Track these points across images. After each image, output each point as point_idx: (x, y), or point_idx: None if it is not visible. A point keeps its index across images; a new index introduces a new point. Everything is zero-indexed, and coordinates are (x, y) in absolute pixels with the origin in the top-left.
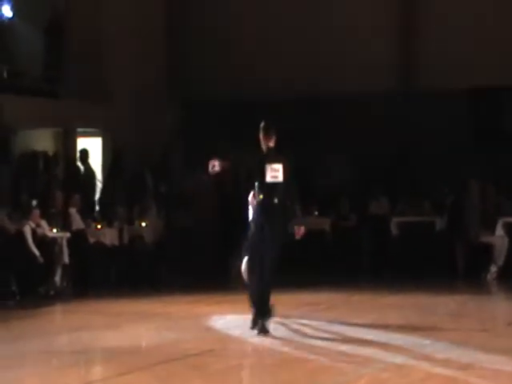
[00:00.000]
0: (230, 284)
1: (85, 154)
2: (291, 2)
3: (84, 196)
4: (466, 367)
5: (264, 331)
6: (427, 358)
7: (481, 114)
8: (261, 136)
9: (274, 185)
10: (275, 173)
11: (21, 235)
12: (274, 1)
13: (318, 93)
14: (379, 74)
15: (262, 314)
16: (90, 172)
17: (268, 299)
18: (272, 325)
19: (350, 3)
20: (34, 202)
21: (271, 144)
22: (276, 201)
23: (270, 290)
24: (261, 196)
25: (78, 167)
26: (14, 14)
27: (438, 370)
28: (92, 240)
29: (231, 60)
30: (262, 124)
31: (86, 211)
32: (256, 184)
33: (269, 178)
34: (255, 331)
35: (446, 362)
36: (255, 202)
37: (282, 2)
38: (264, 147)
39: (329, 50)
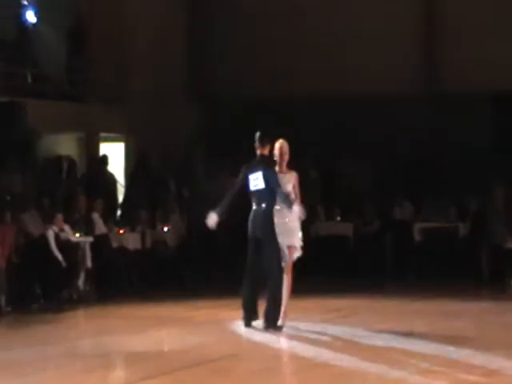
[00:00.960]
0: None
1: (104, 159)
2: (316, 2)
3: (107, 200)
4: (490, 374)
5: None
6: (451, 365)
7: (504, 118)
8: (256, 145)
9: (258, 192)
10: (255, 181)
11: (44, 239)
12: (299, 2)
13: (342, 96)
14: (404, 78)
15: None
16: (109, 177)
17: (274, 303)
18: (294, 330)
19: (373, 7)
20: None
21: (265, 152)
22: (264, 206)
23: (275, 293)
24: (252, 203)
25: (100, 172)
26: (37, 19)
27: (463, 376)
28: (115, 244)
29: (254, 60)
30: (258, 134)
31: (109, 216)
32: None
33: (252, 187)
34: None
35: (470, 369)
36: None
37: (307, 3)
38: (258, 154)
39: (353, 54)
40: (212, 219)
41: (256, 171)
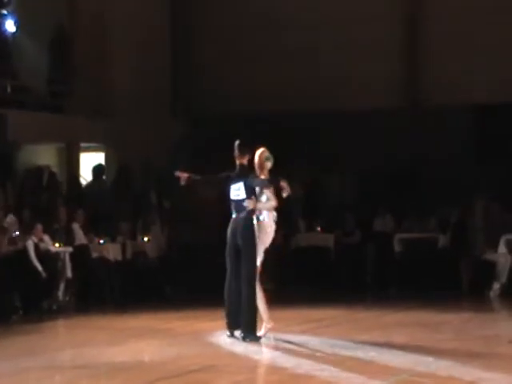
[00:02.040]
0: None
1: (99, 169)
2: (302, 16)
3: (87, 211)
4: None
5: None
6: (430, 376)
7: (486, 130)
8: (235, 154)
9: (238, 201)
10: (237, 191)
11: (24, 250)
12: (284, 15)
13: (321, 109)
14: (383, 91)
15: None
16: (103, 187)
17: (251, 312)
18: (275, 341)
19: (357, 20)
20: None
21: (244, 162)
22: (242, 215)
23: (250, 301)
24: (232, 212)
25: (80, 182)
26: (17, 29)
27: None
28: (95, 255)
29: (236, 73)
30: (237, 142)
31: (89, 226)
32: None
33: (232, 196)
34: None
35: (449, 380)
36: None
37: (292, 17)
38: (237, 164)
39: (336, 67)
40: (184, 175)
41: (237, 182)
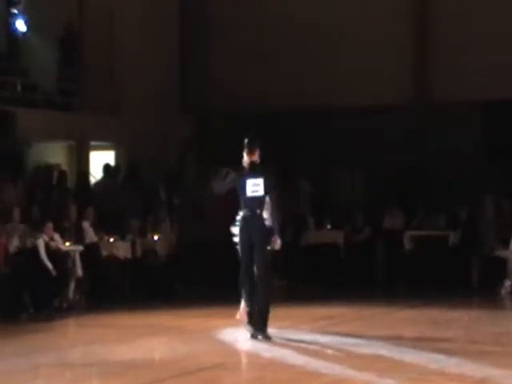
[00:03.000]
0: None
1: (108, 167)
2: (308, 12)
3: (97, 209)
4: (479, 382)
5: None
6: (441, 373)
7: (496, 127)
8: (244, 151)
9: (255, 198)
10: (256, 187)
11: (34, 248)
12: (289, 12)
13: (332, 105)
14: (393, 87)
15: (261, 327)
16: (111, 185)
17: (265, 311)
18: (285, 338)
19: (365, 16)
20: (47, 216)
21: (254, 158)
22: (258, 212)
23: (266, 302)
24: (244, 210)
25: (90, 180)
26: (27, 28)
27: None
28: (105, 253)
29: (245, 70)
30: (246, 140)
31: (99, 224)
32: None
33: (249, 193)
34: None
35: (459, 377)
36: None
37: (297, 13)
38: (248, 162)
39: (343, 62)
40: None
41: (255, 177)
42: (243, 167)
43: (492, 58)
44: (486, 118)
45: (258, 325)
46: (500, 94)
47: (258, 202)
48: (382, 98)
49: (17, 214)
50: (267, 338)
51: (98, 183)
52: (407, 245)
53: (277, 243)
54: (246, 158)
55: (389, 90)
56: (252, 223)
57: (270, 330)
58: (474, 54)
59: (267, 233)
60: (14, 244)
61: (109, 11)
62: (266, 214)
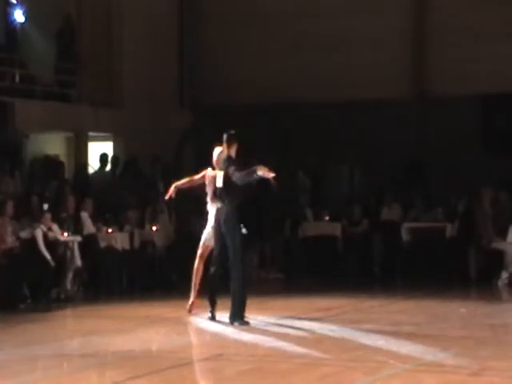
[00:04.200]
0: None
1: (105, 157)
2: (306, 6)
3: (96, 200)
4: (476, 374)
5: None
6: (438, 365)
7: (493, 119)
8: (223, 145)
9: (219, 190)
10: (219, 178)
11: (32, 239)
12: (288, 8)
13: (330, 100)
14: (392, 82)
15: (236, 313)
16: (106, 176)
17: (239, 297)
18: (283, 329)
19: (363, 10)
20: (46, 206)
21: (231, 152)
22: (226, 203)
23: (240, 288)
24: (217, 201)
25: (88, 171)
26: (26, 19)
27: (449, 376)
28: (103, 244)
29: (245, 63)
30: (225, 135)
31: (97, 215)
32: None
33: (218, 184)
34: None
35: (456, 369)
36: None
37: (296, 9)
38: (226, 155)
39: (341, 57)
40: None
41: (231, 168)
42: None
43: (490, 51)
44: (484, 111)
45: (234, 310)
46: (498, 87)
47: (222, 193)
48: (380, 93)
49: (10, 207)
50: (244, 323)
51: (94, 173)
52: (405, 237)
53: (262, 170)
54: (225, 151)
55: (386, 84)
56: (220, 215)
57: (269, 320)
58: (472, 49)
59: (235, 221)
60: (10, 237)
61: (107, 2)
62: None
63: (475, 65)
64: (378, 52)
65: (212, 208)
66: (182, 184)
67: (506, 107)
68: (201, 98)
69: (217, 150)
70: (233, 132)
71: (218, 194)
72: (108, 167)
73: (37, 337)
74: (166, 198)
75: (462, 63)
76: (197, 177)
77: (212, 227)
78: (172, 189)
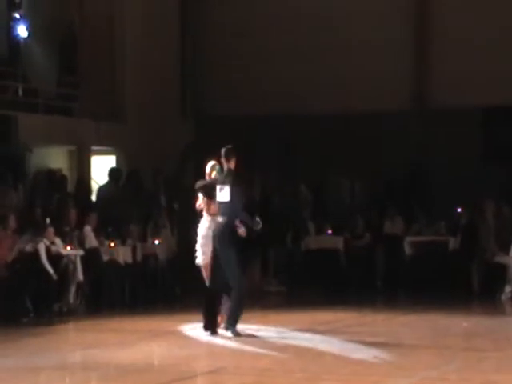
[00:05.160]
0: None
1: (114, 172)
2: (307, 18)
3: (98, 214)
4: None
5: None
6: (441, 378)
7: (495, 132)
8: (222, 159)
9: (223, 204)
10: (222, 194)
11: (35, 253)
12: (290, 17)
13: (332, 111)
14: (393, 93)
15: (231, 323)
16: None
17: (233, 309)
18: (285, 342)
19: (364, 21)
20: (48, 220)
21: (231, 166)
22: (225, 218)
23: (235, 301)
24: (218, 215)
25: (91, 185)
26: (28, 33)
27: None
28: (105, 258)
29: (247, 75)
30: (223, 149)
31: (100, 229)
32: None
33: (218, 198)
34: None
35: (459, 382)
36: (208, 219)
37: (295, 19)
38: (225, 168)
39: (342, 67)
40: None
41: (224, 184)
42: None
43: (490, 63)
44: (486, 123)
45: (228, 322)
46: (499, 99)
47: (224, 208)
48: (382, 104)
49: (12, 221)
50: (236, 334)
51: (102, 187)
52: (407, 250)
53: (240, 229)
54: (224, 165)
55: (389, 95)
56: (217, 229)
57: (270, 335)
58: (474, 60)
59: (228, 235)
60: (13, 250)
61: (109, 16)
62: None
63: (477, 76)
64: (378, 63)
65: (208, 221)
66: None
67: (507, 119)
68: (203, 111)
69: (209, 164)
70: (231, 146)
71: (220, 208)
72: (113, 181)
73: (39, 350)
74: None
75: (463, 75)
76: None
77: (205, 237)
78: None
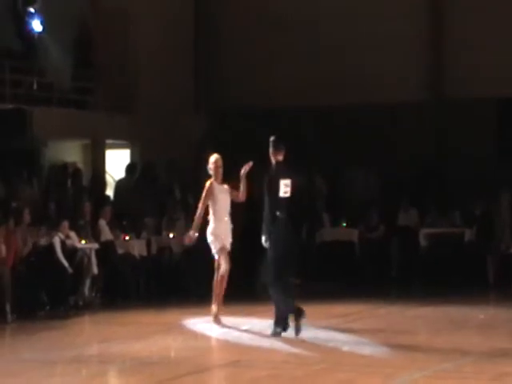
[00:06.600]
0: (257, 295)
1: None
2: (320, 11)
3: (113, 207)
4: (495, 379)
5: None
6: (456, 371)
7: (509, 123)
8: (270, 150)
9: (283, 199)
10: (286, 188)
11: (50, 246)
12: (301, 12)
13: (346, 105)
14: (407, 85)
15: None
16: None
17: (276, 309)
18: (300, 335)
19: (379, 14)
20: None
21: (280, 158)
22: (284, 214)
23: (276, 302)
24: (277, 211)
25: (105, 178)
26: (43, 28)
27: (468, 382)
28: (120, 251)
29: (260, 68)
30: (272, 138)
31: (115, 222)
32: (267, 198)
33: (281, 194)
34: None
35: (475, 375)
36: (268, 217)
37: (310, 12)
38: (273, 161)
39: (357, 61)
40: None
41: (286, 178)
42: (271, 166)
43: (507, 54)
44: (501, 115)
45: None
46: None
47: (286, 203)
48: (396, 96)
49: (26, 215)
50: (273, 334)
51: (120, 181)
52: (423, 242)
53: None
54: (272, 157)
55: (404, 87)
56: (288, 225)
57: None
58: (488, 52)
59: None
60: (28, 244)
61: (123, 10)
62: None
63: (494, 68)
64: (393, 55)
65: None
66: (196, 226)
67: None
68: (215, 104)
69: (212, 158)
70: (278, 137)
71: (282, 204)
72: (131, 175)
73: (55, 343)
74: (186, 243)
75: (481, 66)
76: (203, 200)
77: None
78: (189, 237)
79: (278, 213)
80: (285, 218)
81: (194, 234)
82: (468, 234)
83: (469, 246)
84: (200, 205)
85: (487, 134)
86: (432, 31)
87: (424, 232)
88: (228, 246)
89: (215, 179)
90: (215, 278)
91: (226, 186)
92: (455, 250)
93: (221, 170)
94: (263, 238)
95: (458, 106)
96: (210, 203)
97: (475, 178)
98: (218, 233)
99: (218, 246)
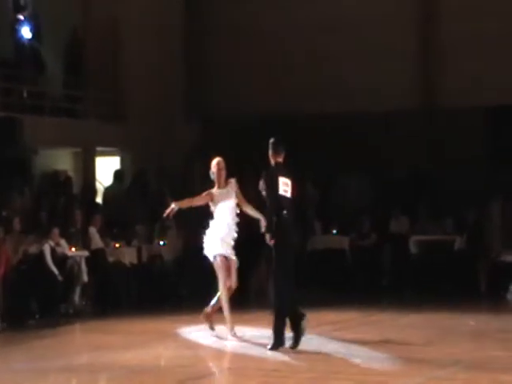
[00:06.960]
0: (250, 303)
1: (119, 174)
2: (314, 20)
3: (103, 215)
4: None
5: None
6: (449, 378)
7: (501, 131)
8: (270, 153)
9: (285, 198)
10: (286, 187)
11: (41, 254)
12: (295, 19)
13: (337, 111)
14: (399, 93)
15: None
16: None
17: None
18: (289, 344)
19: (371, 23)
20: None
21: (280, 159)
22: (285, 213)
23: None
24: (284, 211)
25: (96, 186)
26: (32, 35)
27: None
28: (111, 259)
29: (251, 78)
30: (272, 140)
31: (105, 230)
32: (267, 195)
33: (281, 192)
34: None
35: (467, 382)
36: (273, 218)
37: (304, 20)
38: (272, 162)
39: (349, 69)
40: None
41: (287, 177)
42: (271, 166)
43: (498, 63)
44: (493, 122)
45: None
46: (505, 98)
47: (287, 202)
48: (388, 104)
49: (16, 223)
50: (270, 348)
51: (108, 189)
52: (413, 249)
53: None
54: (271, 159)
55: (395, 95)
56: (291, 225)
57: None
58: (479, 59)
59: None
60: (18, 252)
61: (113, 18)
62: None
63: (484, 76)
64: (386, 64)
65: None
66: (181, 203)
67: None
68: (208, 110)
69: (214, 161)
70: (278, 138)
71: (286, 203)
72: (118, 182)
73: (45, 352)
74: (164, 215)
75: (471, 75)
76: (199, 198)
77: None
78: (170, 209)
79: (284, 212)
80: (290, 219)
81: (176, 206)
82: (458, 242)
83: (459, 253)
84: (193, 197)
85: (479, 142)
86: (424, 39)
87: (414, 239)
88: (227, 252)
89: (217, 183)
90: (221, 292)
91: (229, 189)
92: (446, 257)
93: (223, 173)
94: (267, 237)
95: (449, 114)
96: (211, 208)
97: (467, 185)
98: (217, 237)
99: (216, 252)
